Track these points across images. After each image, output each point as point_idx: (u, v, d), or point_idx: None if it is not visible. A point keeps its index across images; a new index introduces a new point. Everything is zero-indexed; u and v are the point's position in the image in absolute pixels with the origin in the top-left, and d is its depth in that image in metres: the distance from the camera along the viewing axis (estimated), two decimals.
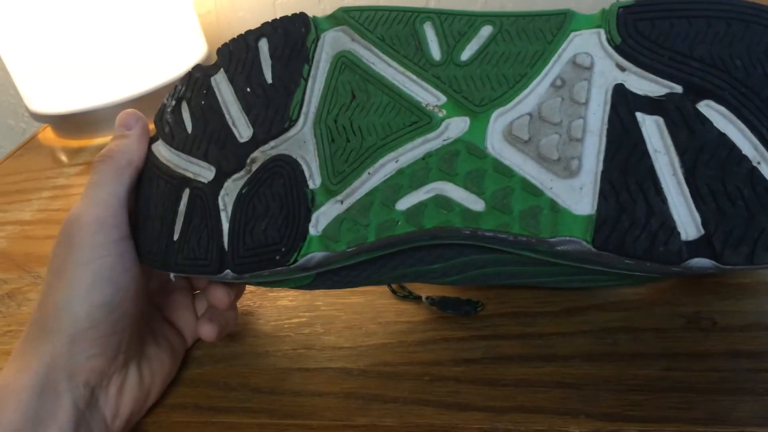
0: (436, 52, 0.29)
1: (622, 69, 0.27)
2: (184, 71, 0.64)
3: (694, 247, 0.25)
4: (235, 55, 0.32)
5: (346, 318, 0.37)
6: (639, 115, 0.26)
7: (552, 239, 0.26)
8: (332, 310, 0.38)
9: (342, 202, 0.28)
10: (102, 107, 0.65)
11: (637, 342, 0.31)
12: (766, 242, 0.24)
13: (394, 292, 0.38)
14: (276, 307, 0.39)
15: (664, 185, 0.25)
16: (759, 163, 0.25)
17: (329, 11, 0.31)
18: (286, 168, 0.29)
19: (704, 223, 0.25)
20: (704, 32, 0.26)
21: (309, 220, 0.28)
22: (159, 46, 0.65)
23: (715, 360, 0.30)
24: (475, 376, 0.31)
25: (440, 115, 0.28)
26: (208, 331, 0.34)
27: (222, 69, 0.32)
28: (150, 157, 0.33)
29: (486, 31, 0.29)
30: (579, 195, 0.26)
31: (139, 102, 0.64)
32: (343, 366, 0.34)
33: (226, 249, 0.29)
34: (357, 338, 0.35)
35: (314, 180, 0.29)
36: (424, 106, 0.28)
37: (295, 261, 0.28)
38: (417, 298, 0.37)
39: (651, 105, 0.26)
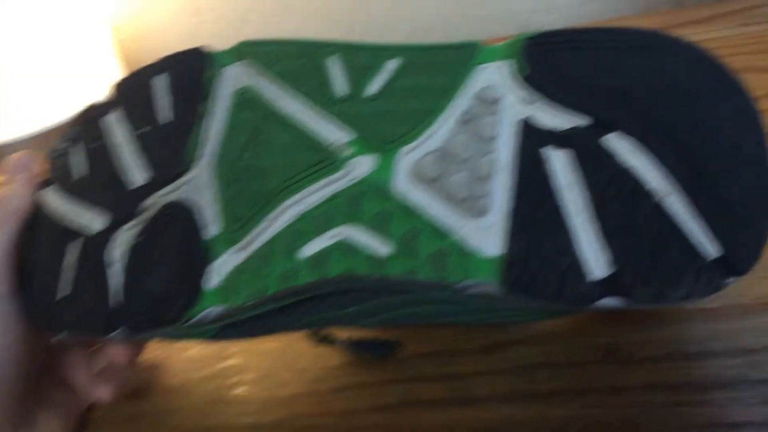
0: (341, 87, 0.28)
1: (530, 102, 0.26)
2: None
3: (604, 286, 0.24)
4: (130, 93, 0.30)
5: (259, 367, 0.35)
6: (547, 149, 0.26)
7: (461, 283, 0.25)
8: (244, 358, 0.36)
9: (242, 250, 0.26)
10: (12, 142, 0.61)
11: (555, 379, 0.31)
12: (674, 279, 0.24)
13: (310, 334, 0.36)
14: (184, 358, 0.36)
15: (572, 222, 0.25)
16: (666, 195, 0.25)
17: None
18: (182, 215, 0.27)
19: (613, 261, 0.24)
20: (609, 63, 0.26)
21: (206, 272, 0.26)
22: (74, 76, 0.62)
23: (632, 394, 0.29)
24: (393, 424, 0.30)
25: (346, 153, 0.27)
26: (103, 392, 0.31)
27: (116, 108, 0.30)
28: (39, 204, 0.30)
29: (392, 64, 0.28)
30: (488, 235, 0.25)
31: (52, 136, 0.61)
32: (254, 422, 0.32)
33: (118, 306, 0.27)
34: (270, 389, 0.33)
35: (212, 227, 0.27)
36: (328, 144, 0.27)
37: (191, 317, 0.26)
38: (333, 341, 0.35)
39: (559, 139, 0.26)
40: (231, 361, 0.36)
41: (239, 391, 0.34)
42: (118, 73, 0.67)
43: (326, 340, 0.35)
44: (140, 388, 0.35)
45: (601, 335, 0.32)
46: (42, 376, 0.32)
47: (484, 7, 0.64)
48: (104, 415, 0.34)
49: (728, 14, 0.51)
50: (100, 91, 0.63)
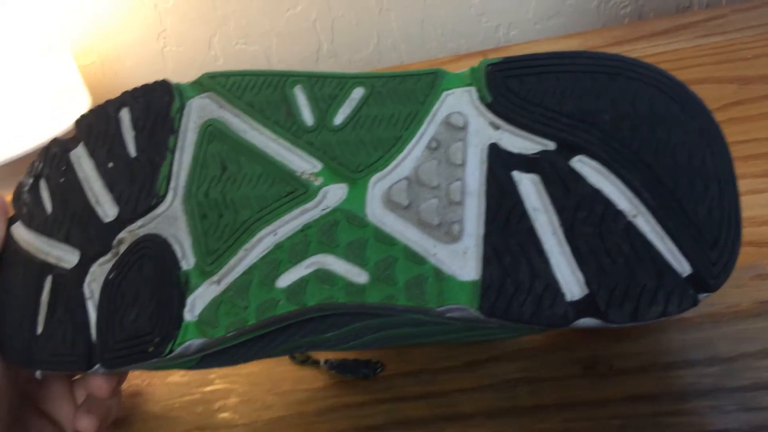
0: (308, 117, 0.28)
1: (496, 127, 0.26)
2: (65, 129, 0.60)
3: (580, 308, 0.24)
4: (94, 127, 0.29)
5: (242, 391, 0.35)
6: (516, 173, 0.26)
7: (439, 308, 0.25)
8: (227, 383, 0.36)
9: (218, 282, 0.26)
10: None
11: (536, 394, 0.31)
12: (648, 299, 0.24)
13: (292, 357, 0.36)
14: (166, 384, 0.36)
15: (545, 245, 0.25)
16: (635, 216, 0.25)
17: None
18: (156, 249, 0.27)
19: (587, 282, 0.24)
20: (572, 87, 0.26)
21: (184, 305, 0.26)
22: (36, 104, 0.61)
23: (614, 407, 0.29)
24: None
25: (317, 183, 0.27)
26: (86, 424, 0.31)
27: (82, 143, 0.29)
28: (9, 241, 0.30)
29: (358, 93, 0.28)
30: (463, 260, 0.25)
31: (17, 165, 0.60)
32: None
33: (94, 342, 0.27)
34: (253, 413, 0.33)
35: (187, 260, 0.27)
36: (299, 174, 0.27)
37: (171, 351, 0.26)
38: (315, 363, 0.35)
39: (527, 163, 0.26)
40: (214, 386, 0.36)
41: (224, 415, 0.34)
42: (83, 99, 0.66)
43: (308, 362, 0.35)
44: (122, 417, 0.35)
45: (580, 349, 0.32)
46: (25, 407, 0.32)
47: (447, 23, 0.64)
48: None
49: (688, 26, 0.51)
50: (65, 118, 0.62)
